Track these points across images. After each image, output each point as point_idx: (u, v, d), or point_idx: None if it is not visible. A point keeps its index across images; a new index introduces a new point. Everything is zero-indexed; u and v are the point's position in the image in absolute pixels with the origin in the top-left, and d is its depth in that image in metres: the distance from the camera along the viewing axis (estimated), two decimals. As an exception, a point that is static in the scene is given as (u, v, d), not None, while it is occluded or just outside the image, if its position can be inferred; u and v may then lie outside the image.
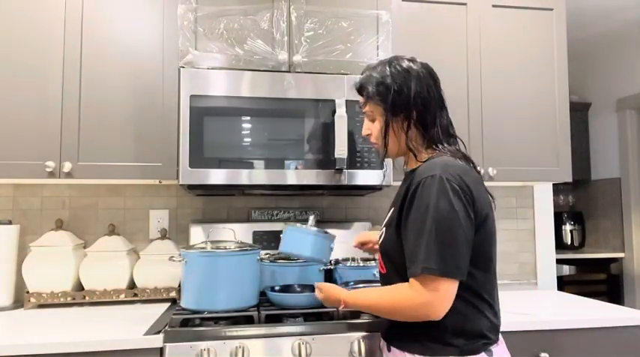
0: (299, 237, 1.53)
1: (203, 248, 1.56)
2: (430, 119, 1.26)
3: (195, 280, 1.51)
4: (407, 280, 1.13)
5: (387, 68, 1.28)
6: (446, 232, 1.08)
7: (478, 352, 1.13)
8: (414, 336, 1.17)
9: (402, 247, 1.17)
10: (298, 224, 1.56)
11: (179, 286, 1.94)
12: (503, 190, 2.39)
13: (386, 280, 1.27)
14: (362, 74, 1.35)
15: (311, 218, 1.58)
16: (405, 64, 1.28)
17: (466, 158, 1.24)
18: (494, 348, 1.16)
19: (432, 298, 1.08)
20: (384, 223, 1.30)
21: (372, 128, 1.32)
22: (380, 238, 1.30)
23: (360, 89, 1.33)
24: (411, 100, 1.25)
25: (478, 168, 1.30)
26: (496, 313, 1.20)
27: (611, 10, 3.45)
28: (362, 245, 1.59)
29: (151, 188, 2.11)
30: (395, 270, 1.22)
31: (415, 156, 1.28)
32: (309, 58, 1.82)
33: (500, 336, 1.21)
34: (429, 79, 1.28)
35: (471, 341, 1.13)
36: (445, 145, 1.25)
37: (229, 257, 1.54)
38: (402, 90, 1.25)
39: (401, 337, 1.21)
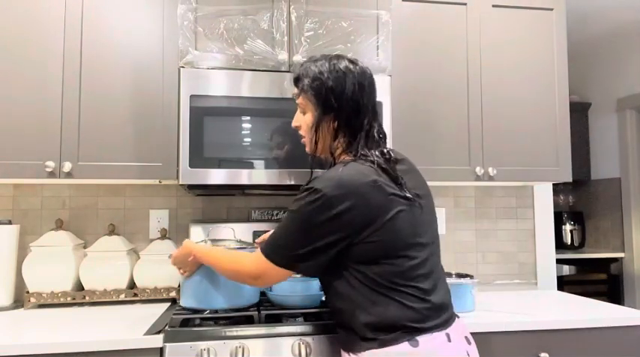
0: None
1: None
2: (358, 125, 1.27)
3: (195, 279, 1.50)
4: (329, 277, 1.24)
5: (327, 65, 1.29)
6: (290, 235, 1.20)
7: (398, 341, 1.13)
8: (345, 335, 1.23)
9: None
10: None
11: (179, 286, 1.94)
12: (503, 190, 2.39)
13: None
14: (302, 65, 1.35)
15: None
16: (344, 64, 1.29)
17: (374, 162, 1.23)
18: (421, 337, 1.13)
19: (259, 271, 1.25)
20: None
21: (302, 120, 1.34)
22: None
23: (296, 80, 1.34)
24: (342, 101, 1.26)
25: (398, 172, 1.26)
26: (427, 301, 1.17)
27: (611, 10, 3.45)
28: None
29: (151, 188, 2.11)
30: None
31: (334, 159, 1.32)
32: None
33: (446, 327, 1.18)
34: (364, 84, 1.29)
35: (390, 333, 1.14)
36: (366, 151, 1.25)
37: None
38: (336, 89, 1.27)
39: (341, 339, 1.27)
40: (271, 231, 1.33)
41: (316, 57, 1.34)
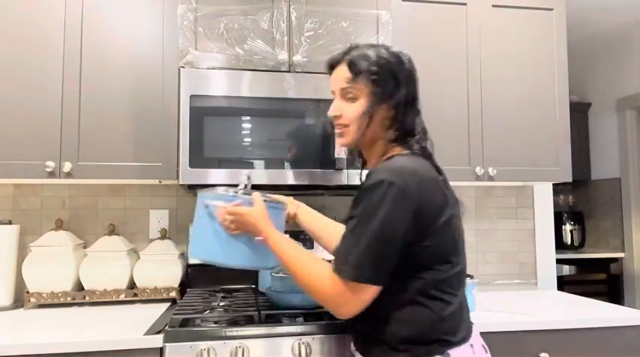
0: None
1: (225, 193, 1.32)
2: (412, 116, 1.20)
3: (209, 226, 1.29)
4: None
5: (383, 50, 1.20)
6: (379, 240, 1.05)
7: (431, 355, 1.09)
8: (372, 345, 1.15)
9: None
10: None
11: (179, 285, 1.94)
12: (503, 190, 2.39)
13: None
14: (350, 51, 1.22)
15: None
16: (396, 52, 1.22)
17: (430, 158, 1.19)
18: (452, 351, 1.09)
19: (346, 299, 1.08)
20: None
21: (346, 109, 1.21)
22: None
23: (352, 64, 1.19)
24: (401, 89, 1.18)
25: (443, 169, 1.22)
26: (460, 309, 1.14)
27: (611, 11, 3.45)
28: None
29: (151, 188, 2.11)
30: None
31: (380, 152, 1.21)
32: (309, 58, 1.82)
33: (469, 338, 1.14)
34: (414, 74, 1.23)
35: (424, 346, 1.09)
36: (414, 143, 1.18)
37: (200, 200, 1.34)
38: (397, 75, 1.18)
39: (367, 346, 1.18)
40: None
41: (363, 44, 1.23)
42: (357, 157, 1.35)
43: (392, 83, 1.18)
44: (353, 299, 1.08)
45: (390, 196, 1.05)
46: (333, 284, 1.08)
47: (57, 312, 1.78)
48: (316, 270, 1.13)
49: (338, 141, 1.27)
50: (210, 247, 1.29)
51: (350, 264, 1.06)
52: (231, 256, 1.29)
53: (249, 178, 1.44)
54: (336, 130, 1.25)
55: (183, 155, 1.69)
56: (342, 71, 1.21)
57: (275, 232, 1.24)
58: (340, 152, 1.73)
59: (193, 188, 1.82)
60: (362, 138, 1.21)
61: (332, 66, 1.26)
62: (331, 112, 1.24)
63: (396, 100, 1.18)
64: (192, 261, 1.96)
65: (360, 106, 1.19)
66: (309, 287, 1.13)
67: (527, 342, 1.62)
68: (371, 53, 1.19)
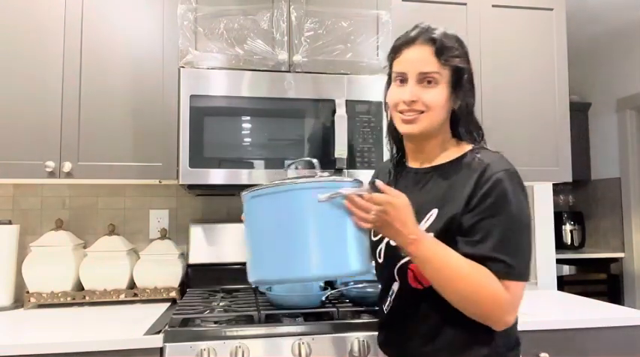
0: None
1: (278, 184, 1.01)
2: (472, 109, 1.14)
3: (271, 233, 1.00)
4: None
5: (458, 36, 1.13)
6: (526, 236, 1.02)
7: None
8: (467, 351, 1.05)
9: None
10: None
11: (179, 285, 1.94)
12: (503, 190, 2.38)
13: (423, 299, 1.07)
14: (426, 29, 1.10)
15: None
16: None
17: None
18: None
19: (515, 304, 1.00)
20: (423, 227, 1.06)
21: (424, 94, 1.08)
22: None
23: (441, 47, 1.08)
24: (470, 80, 1.13)
25: None
26: None
27: (611, 10, 3.45)
28: None
29: (151, 188, 2.11)
30: None
31: (442, 144, 1.14)
32: (309, 58, 1.82)
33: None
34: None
35: (513, 350, 1.11)
36: (482, 139, 1.15)
37: (291, 193, 0.99)
38: (470, 65, 1.13)
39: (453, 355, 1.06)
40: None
41: (429, 24, 1.11)
42: (396, 148, 1.24)
43: (467, 73, 1.12)
44: (519, 303, 1.01)
45: (520, 186, 1.06)
46: (507, 289, 0.97)
47: (57, 312, 1.77)
48: (485, 275, 0.97)
49: (405, 127, 1.11)
50: (336, 257, 0.96)
51: (518, 262, 0.99)
52: (357, 262, 0.98)
53: (315, 163, 1.16)
54: (404, 116, 1.10)
55: (183, 155, 1.69)
56: (424, 52, 1.08)
57: (424, 232, 1.03)
58: (341, 153, 1.72)
59: (193, 188, 1.82)
60: (434, 127, 1.11)
61: (404, 45, 1.11)
62: (408, 96, 1.08)
63: (466, 90, 1.11)
64: (196, 261, 1.94)
65: (441, 92, 1.09)
66: (477, 296, 0.97)
67: (527, 342, 1.62)
68: (452, 35, 1.11)
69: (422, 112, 1.08)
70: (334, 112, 1.76)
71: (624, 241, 3.76)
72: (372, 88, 1.82)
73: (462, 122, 1.14)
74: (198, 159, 1.70)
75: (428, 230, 1.05)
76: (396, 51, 1.13)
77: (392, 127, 1.19)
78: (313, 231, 0.96)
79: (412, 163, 1.20)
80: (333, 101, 1.77)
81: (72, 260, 1.88)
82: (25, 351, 1.34)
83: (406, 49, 1.11)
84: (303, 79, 1.78)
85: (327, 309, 1.54)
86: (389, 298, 1.16)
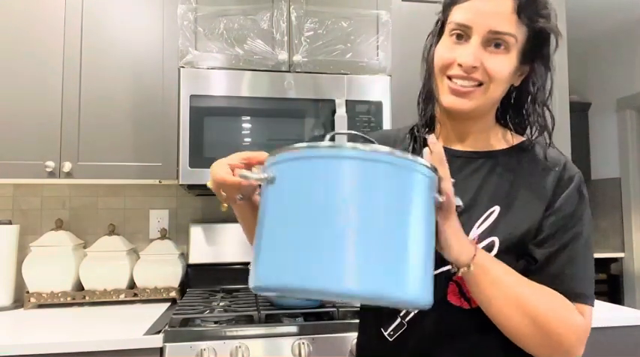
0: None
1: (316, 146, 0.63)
2: (543, 94, 0.89)
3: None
4: None
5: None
6: (592, 252, 0.85)
7: None
8: None
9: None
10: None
11: (179, 285, 1.94)
12: (503, 190, 2.38)
13: (472, 319, 0.80)
14: None
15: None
16: None
17: None
18: None
19: (588, 333, 0.84)
20: (478, 233, 0.81)
21: (489, 61, 0.80)
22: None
23: (524, 6, 0.82)
24: (548, 53, 0.89)
25: None
26: None
27: (611, 10, 3.45)
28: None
29: (151, 188, 2.11)
30: None
31: (489, 129, 0.91)
32: (309, 58, 1.82)
33: None
34: None
35: None
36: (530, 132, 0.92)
37: (388, 166, 0.61)
38: (548, 38, 0.88)
39: None
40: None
41: None
42: (427, 128, 0.94)
43: (548, 44, 0.88)
44: (589, 330, 0.83)
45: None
46: (583, 317, 0.82)
47: (57, 312, 1.77)
48: (559, 301, 0.79)
49: (452, 100, 0.83)
50: (395, 271, 0.59)
51: (591, 286, 0.82)
52: (419, 287, 0.62)
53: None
54: (455, 85, 0.82)
55: (183, 155, 1.69)
56: (501, 5, 0.81)
57: (481, 249, 0.77)
58: None
59: (193, 188, 1.82)
60: (488, 105, 0.86)
61: None
62: (471, 60, 0.80)
63: (548, 68, 0.90)
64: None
65: (510, 61, 0.82)
66: (548, 318, 0.77)
67: (527, 342, 1.62)
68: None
69: (480, 84, 0.81)
70: (334, 112, 1.76)
71: (624, 240, 3.76)
72: (372, 88, 1.82)
73: (520, 107, 0.90)
74: (199, 159, 1.70)
75: (487, 232, 0.81)
76: None
77: (429, 94, 0.90)
78: (382, 225, 0.60)
79: (449, 143, 0.91)
80: (333, 101, 1.77)
81: (72, 260, 1.88)
82: (25, 351, 1.34)
83: None
84: (303, 79, 1.78)
85: (327, 309, 1.54)
86: (398, 320, 0.83)
